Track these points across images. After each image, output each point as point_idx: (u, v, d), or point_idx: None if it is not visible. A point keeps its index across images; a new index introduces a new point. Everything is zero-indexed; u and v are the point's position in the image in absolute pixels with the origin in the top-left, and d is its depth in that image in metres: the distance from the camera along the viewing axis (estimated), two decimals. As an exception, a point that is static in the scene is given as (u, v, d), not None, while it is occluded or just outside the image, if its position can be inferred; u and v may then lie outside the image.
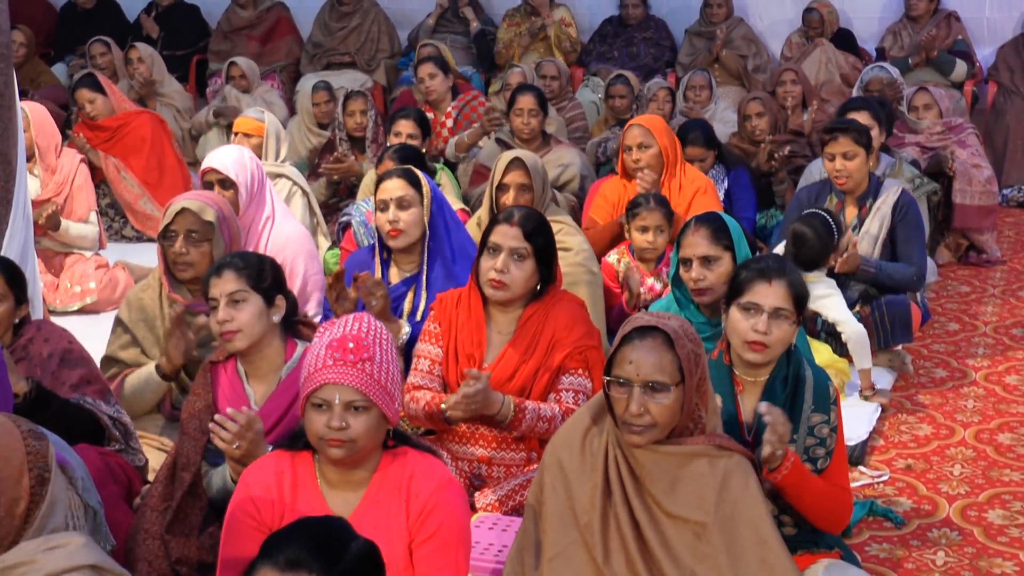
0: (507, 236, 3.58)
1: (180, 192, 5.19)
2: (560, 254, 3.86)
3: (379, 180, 4.24)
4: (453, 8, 9.08)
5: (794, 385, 3.08)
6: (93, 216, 5.87)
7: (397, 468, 2.68)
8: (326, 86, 7.66)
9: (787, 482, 2.92)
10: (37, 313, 4.11)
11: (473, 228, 4.69)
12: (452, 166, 6.50)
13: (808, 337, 4.51)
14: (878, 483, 4.03)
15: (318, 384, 2.59)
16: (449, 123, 7.03)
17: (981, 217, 6.34)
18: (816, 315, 4.66)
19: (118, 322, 4.03)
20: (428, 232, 4.18)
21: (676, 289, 3.87)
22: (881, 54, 8.37)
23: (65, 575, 2.27)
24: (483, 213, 4.78)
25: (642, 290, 4.74)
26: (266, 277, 3.36)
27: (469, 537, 2.71)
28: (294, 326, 3.43)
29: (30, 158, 5.52)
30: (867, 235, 4.93)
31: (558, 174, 6.03)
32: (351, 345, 2.60)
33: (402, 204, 4.13)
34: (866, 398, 4.55)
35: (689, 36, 8.77)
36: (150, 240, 6.27)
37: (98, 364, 3.76)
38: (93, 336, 4.24)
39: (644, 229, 4.79)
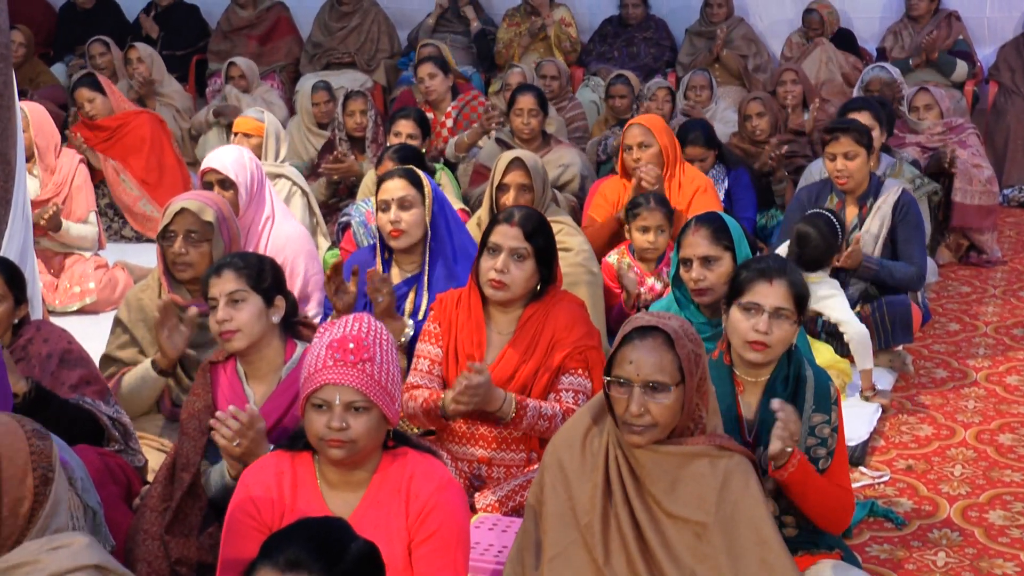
0: (507, 236, 3.57)
1: (180, 192, 5.18)
2: (560, 254, 3.85)
3: (380, 180, 4.23)
4: (453, 8, 9.08)
5: (795, 385, 3.08)
6: (92, 216, 5.87)
7: (397, 469, 2.68)
8: (326, 86, 7.65)
9: (793, 480, 2.91)
10: (36, 313, 4.10)
11: (473, 228, 4.68)
12: (452, 166, 6.49)
13: (809, 338, 4.52)
14: (879, 484, 4.02)
15: (318, 384, 2.59)
16: (449, 123, 7.03)
17: (981, 217, 6.34)
18: (817, 315, 4.66)
19: (117, 322, 4.03)
20: (430, 232, 4.17)
21: (676, 289, 3.87)
22: (882, 54, 8.37)
23: (69, 575, 2.27)
24: (483, 213, 4.78)
25: (642, 290, 4.74)
26: (266, 277, 3.35)
27: (468, 538, 2.71)
28: (294, 327, 3.42)
29: (29, 158, 5.51)
30: (867, 235, 4.93)
31: (558, 174, 6.02)
32: (351, 346, 2.59)
33: (404, 204, 4.12)
34: (867, 398, 4.55)
35: (689, 36, 8.77)
36: (149, 240, 6.26)
37: (97, 364, 3.76)
38: (92, 336, 4.24)
39: (645, 229, 4.79)
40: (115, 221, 6.72)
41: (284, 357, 3.33)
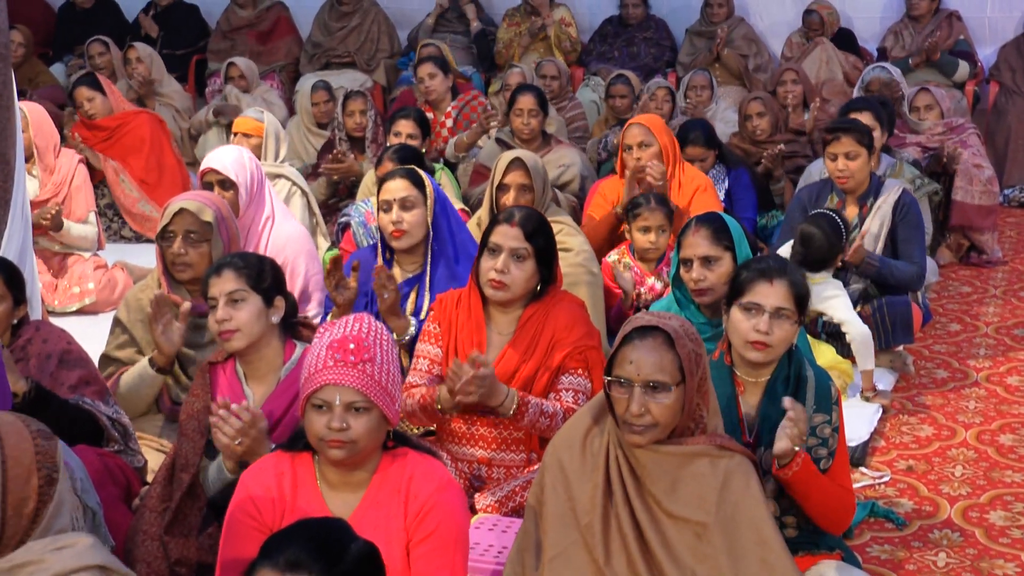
0: (507, 236, 3.57)
1: (179, 192, 5.18)
2: (560, 254, 3.85)
3: (382, 180, 4.22)
4: (454, 7, 9.07)
5: (796, 385, 3.07)
6: (92, 217, 5.86)
7: (397, 469, 2.67)
8: (325, 86, 7.65)
9: (796, 479, 2.91)
10: (36, 314, 4.10)
11: (473, 228, 4.67)
12: (452, 166, 6.49)
13: (812, 339, 4.52)
14: (879, 484, 4.02)
15: (319, 385, 2.58)
16: (449, 123, 7.02)
17: (982, 216, 6.34)
18: (818, 316, 4.66)
19: (117, 322, 4.02)
20: (431, 232, 4.16)
21: (676, 289, 3.86)
22: (883, 54, 8.36)
23: (73, 575, 2.28)
24: (483, 213, 4.77)
25: (642, 290, 4.73)
26: (266, 277, 3.35)
27: (467, 539, 2.71)
28: (293, 327, 3.42)
29: (28, 158, 5.51)
30: (867, 235, 4.92)
31: (558, 174, 6.02)
32: (352, 346, 2.59)
33: (405, 205, 4.12)
34: (867, 399, 4.54)
35: (690, 36, 8.77)
36: (149, 240, 6.26)
37: (96, 364, 3.75)
38: (92, 337, 4.24)
39: (646, 229, 4.78)
40: (114, 221, 6.72)
41: (283, 357, 3.32)
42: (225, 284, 3.29)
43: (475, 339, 3.60)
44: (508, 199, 4.60)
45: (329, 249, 5.72)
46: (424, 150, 5.81)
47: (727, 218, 3.86)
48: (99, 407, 3.42)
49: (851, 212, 4.99)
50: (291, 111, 8.21)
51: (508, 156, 4.70)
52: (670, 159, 5.23)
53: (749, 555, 2.65)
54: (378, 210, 4.19)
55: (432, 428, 3.83)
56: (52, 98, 7.90)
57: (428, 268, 4.16)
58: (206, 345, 3.82)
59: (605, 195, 5.38)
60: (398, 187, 4.13)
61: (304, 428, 2.66)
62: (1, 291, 3.45)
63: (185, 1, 9.48)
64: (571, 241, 4.62)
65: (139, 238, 6.66)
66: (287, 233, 4.70)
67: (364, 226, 5.04)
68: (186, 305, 3.66)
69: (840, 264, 4.68)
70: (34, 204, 5.26)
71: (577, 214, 5.69)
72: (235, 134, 5.89)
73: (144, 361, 3.77)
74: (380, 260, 4.22)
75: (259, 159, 5.25)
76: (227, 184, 4.58)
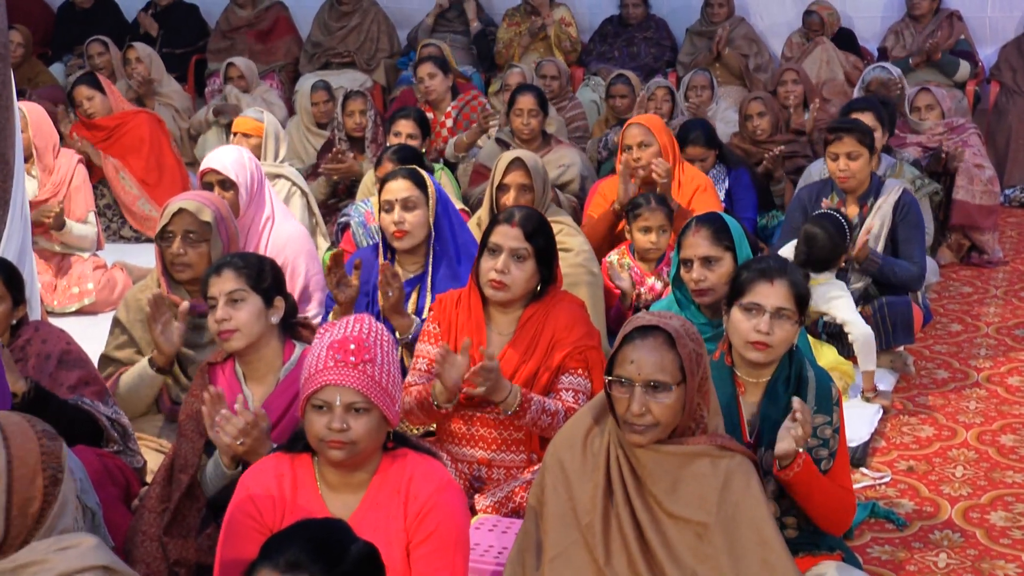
0: (508, 236, 3.56)
1: (179, 192, 5.18)
2: (560, 255, 3.84)
3: (384, 180, 4.21)
4: (455, 6, 9.06)
5: (796, 386, 3.07)
6: (92, 217, 5.86)
7: (397, 470, 2.67)
8: (325, 86, 7.64)
9: (798, 480, 2.91)
10: (35, 314, 4.10)
11: (473, 228, 4.67)
12: (452, 166, 6.48)
13: (814, 339, 4.52)
14: (880, 485, 4.01)
15: (319, 385, 2.57)
16: (449, 123, 7.02)
17: (983, 216, 6.33)
18: (820, 316, 4.65)
19: (116, 322, 4.02)
20: (433, 233, 4.15)
21: (677, 290, 3.86)
22: (883, 54, 8.35)
23: (77, 575, 2.28)
24: (483, 213, 4.77)
25: (642, 290, 4.73)
26: (266, 278, 3.34)
27: (467, 540, 2.70)
28: (292, 327, 3.41)
29: (28, 158, 5.49)
30: (868, 235, 4.92)
31: (558, 174, 6.01)
32: (353, 347, 2.58)
33: (407, 205, 4.11)
34: (868, 399, 4.54)
35: (690, 35, 8.76)
36: (148, 240, 6.26)
37: (96, 365, 3.75)
38: (91, 337, 4.23)
39: (647, 230, 4.77)
40: (114, 221, 6.71)
41: (283, 358, 3.32)
42: (225, 284, 3.28)
43: (475, 339, 3.59)
44: (508, 199, 4.59)
45: (328, 249, 5.71)
46: (424, 150, 5.80)
47: (727, 218, 3.85)
48: (98, 407, 3.42)
49: (851, 212, 4.98)
50: (291, 111, 8.20)
51: (508, 156, 4.69)
52: (669, 159, 5.23)
53: (750, 555, 2.65)
54: (380, 210, 4.18)
55: (432, 429, 3.82)
56: (51, 98, 7.88)
57: (429, 268, 4.15)
58: (206, 345, 3.81)
59: (605, 195, 5.37)
60: (400, 187, 4.12)
61: (304, 429, 2.65)
62: (0, 291, 3.44)
63: (184, 1, 9.47)
64: (571, 241, 4.62)
65: (138, 238, 6.65)
66: (287, 233, 4.69)
67: (364, 226, 5.03)
68: (184, 304, 3.66)
69: (843, 264, 4.68)
70: (33, 204, 5.25)
71: (577, 214, 5.69)
72: (234, 134, 5.88)
73: (144, 361, 3.77)
74: (382, 260, 4.21)
75: (258, 159, 5.24)
76: (227, 184, 4.57)
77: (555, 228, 3.95)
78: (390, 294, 3.87)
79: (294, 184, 5.73)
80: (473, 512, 3.44)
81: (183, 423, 3.23)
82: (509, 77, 7.51)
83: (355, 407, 2.57)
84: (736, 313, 3.09)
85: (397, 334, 3.93)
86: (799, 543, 3.06)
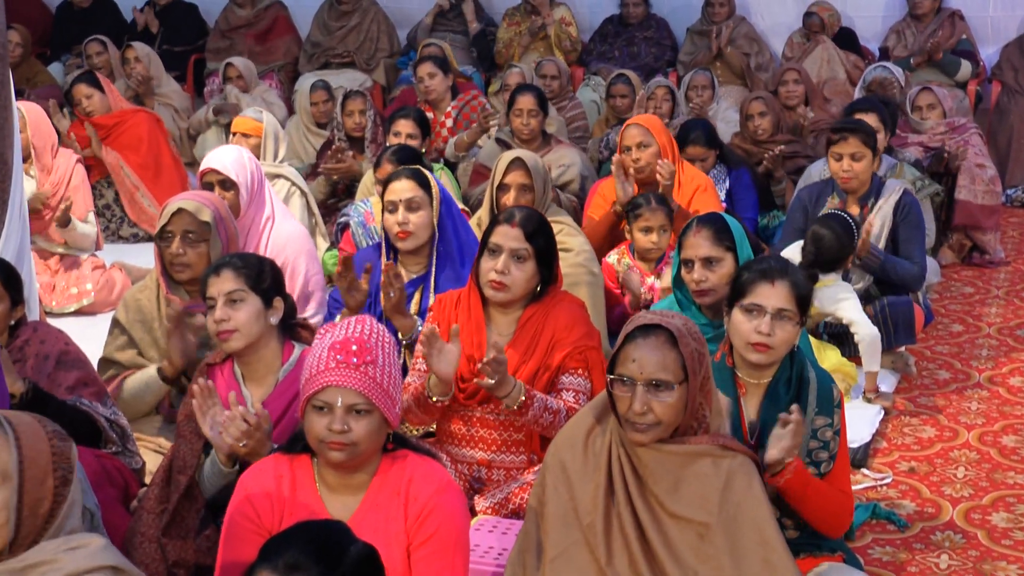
0: (508, 237, 3.55)
1: (177, 192, 5.17)
2: (561, 255, 3.83)
3: (388, 181, 4.20)
4: (455, 7, 9.05)
5: (798, 387, 3.06)
6: (91, 216, 5.85)
7: (396, 471, 2.66)
8: (325, 85, 7.63)
9: (789, 486, 2.90)
10: (34, 315, 4.09)
11: (473, 228, 4.65)
12: (452, 166, 6.47)
13: (818, 341, 4.51)
14: (881, 486, 4.00)
15: (320, 386, 2.56)
16: (449, 123, 7.01)
17: (985, 216, 6.33)
18: (823, 318, 4.65)
19: (115, 323, 4.00)
20: (437, 234, 4.14)
21: (678, 290, 3.85)
22: (884, 53, 8.35)
23: (86, 575, 2.30)
24: (483, 213, 4.76)
25: (642, 290, 4.72)
26: (265, 278, 3.33)
27: (468, 541, 2.69)
28: (292, 328, 3.40)
29: (26, 158, 5.49)
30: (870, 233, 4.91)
31: (559, 174, 6.00)
32: (354, 348, 2.57)
33: (411, 206, 4.09)
34: (869, 400, 4.53)
35: (691, 35, 8.75)
36: (147, 240, 6.26)
37: (95, 366, 3.73)
38: (90, 338, 4.22)
39: (648, 230, 4.77)
40: (112, 221, 6.71)
41: (282, 359, 3.31)
42: (224, 284, 3.27)
43: (475, 340, 3.58)
44: (508, 199, 4.58)
45: (328, 250, 5.70)
46: (424, 150, 5.79)
47: (728, 218, 3.84)
48: (97, 408, 3.41)
49: (852, 212, 4.97)
50: (290, 111, 8.19)
51: (508, 156, 4.68)
52: (669, 159, 5.22)
53: (751, 555, 2.64)
54: (383, 210, 4.16)
55: (432, 430, 3.81)
56: (49, 98, 7.88)
57: (433, 269, 4.14)
58: (204, 346, 3.79)
59: (605, 196, 5.36)
60: (404, 188, 4.11)
61: (303, 430, 2.64)
62: (-1, 292, 3.44)
63: (184, 0, 9.47)
64: (571, 241, 4.60)
65: (137, 237, 6.65)
66: (287, 233, 4.68)
67: (363, 226, 5.02)
68: (199, 318, 3.62)
69: (849, 264, 4.68)
70: (31, 204, 5.24)
71: (578, 214, 5.68)
72: (234, 134, 5.87)
73: (151, 370, 3.76)
74: (383, 260, 4.20)
75: (257, 159, 5.23)
76: (227, 184, 4.56)
77: (555, 228, 3.94)
78: (392, 294, 3.85)
79: (293, 184, 5.72)
80: (473, 513, 3.43)
81: (181, 424, 3.21)
82: (509, 77, 7.50)
83: (356, 409, 2.56)
84: (737, 314, 3.08)
85: (399, 335, 3.92)
86: (800, 544, 3.05)
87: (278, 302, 3.33)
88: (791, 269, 3.13)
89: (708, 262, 3.71)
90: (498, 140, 6.25)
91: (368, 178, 5.66)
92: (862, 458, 4.15)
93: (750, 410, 3.08)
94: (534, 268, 3.57)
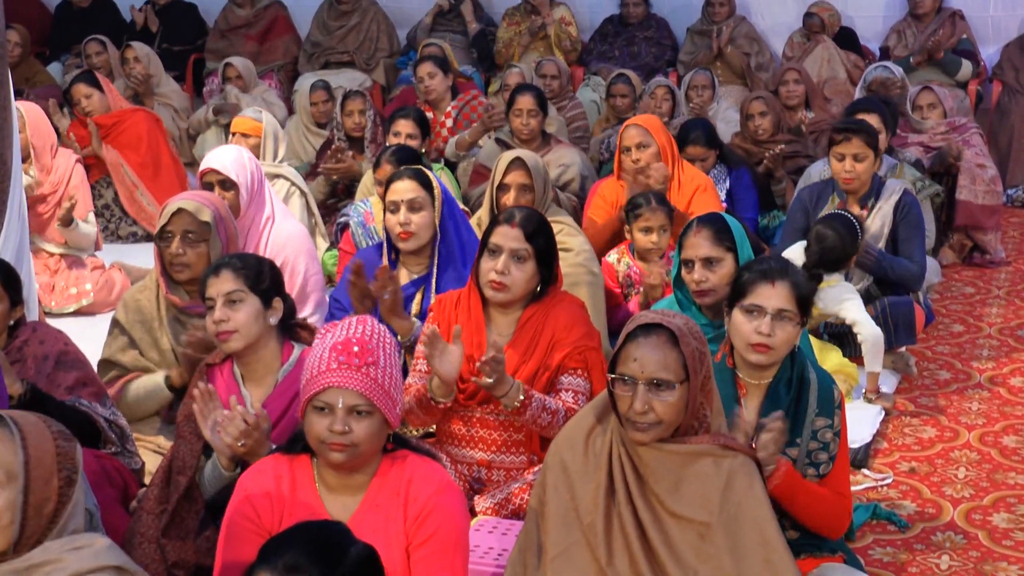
0: (508, 237, 3.54)
1: (176, 192, 5.16)
2: (561, 255, 3.83)
3: (389, 181, 4.19)
4: (454, 7, 9.05)
5: (798, 388, 3.06)
6: (91, 216, 5.84)
7: (396, 472, 2.66)
8: (324, 85, 7.62)
9: (779, 490, 2.88)
10: (33, 315, 4.08)
11: (473, 228, 4.65)
12: (452, 166, 6.47)
13: (820, 342, 4.50)
14: (881, 486, 4.00)
15: (321, 387, 2.56)
16: (449, 123, 7.00)
17: (986, 216, 6.32)
18: (825, 319, 4.64)
19: (115, 324, 3.99)
20: (439, 234, 4.13)
21: (678, 290, 3.84)
22: (885, 53, 8.34)
23: (90, 575, 2.31)
24: (483, 213, 4.75)
25: (642, 289, 4.67)
26: (264, 279, 3.32)
27: (467, 542, 2.69)
28: (291, 329, 3.40)
29: (26, 158, 5.48)
30: (869, 235, 4.90)
31: (558, 174, 6.00)
32: (356, 348, 2.57)
33: (413, 206, 4.09)
34: (870, 401, 4.52)
35: (691, 35, 8.75)
36: (146, 240, 6.25)
37: (95, 366, 3.73)
38: (89, 338, 4.22)
39: (648, 230, 4.76)
40: (111, 222, 6.70)
41: (281, 359, 3.30)
42: (223, 284, 3.27)
43: (475, 340, 3.58)
44: (508, 199, 4.57)
45: (328, 250, 5.70)
46: (424, 150, 5.78)
47: (729, 219, 3.83)
48: (96, 409, 3.40)
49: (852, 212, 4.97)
50: (290, 111, 8.19)
51: (509, 156, 4.68)
52: (668, 159, 5.21)
53: (752, 555, 2.64)
54: (385, 211, 4.16)
55: (432, 430, 3.80)
56: (49, 98, 7.88)
57: (434, 269, 4.13)
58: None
59: (604, 196, 5.36)
60: (406, 188, 4.10)
61: (303, 430, 2.63)
62: (-2, 292, 3.43)
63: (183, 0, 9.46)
64: (571, 241, 4.60)
65: (136, 237, 6.64)
66: (287, 232, 4.67)
67: (363, 226, 5.01)
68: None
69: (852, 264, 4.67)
70: (30, 204, 5.24)
71: (578, 214, 5.67)
72: (233, 134, 5.87)
73: (159, 378, 3.76)
74: (384, 260, 4.19)
75: (257, 159, 5.22)
76: (227, 184, 4.55)
77: (555, 228, 3.94)
78: (386, 297, 3.84)
79: (293, 184, 5.71)
80: (473, 514, 3.43)
81: (181, 425, 3.21)
82: (509, 77, 7.50)
83: (357, 410, 2.56)
84: (737, 315, 3.07)
85: (398, 337, 3.91)
86: (801, 544, 3.04)
87: (277, 302, 3.33)
88: (791, 270, 3.13)
89: (708, 262, 3.70)
90: (498, 140, 6.24)
91: (368, 178, 5.65)
92: (863, 458, 4.14)
93: (751, 411, 3.07)
94: (534, 268, 3.57)
